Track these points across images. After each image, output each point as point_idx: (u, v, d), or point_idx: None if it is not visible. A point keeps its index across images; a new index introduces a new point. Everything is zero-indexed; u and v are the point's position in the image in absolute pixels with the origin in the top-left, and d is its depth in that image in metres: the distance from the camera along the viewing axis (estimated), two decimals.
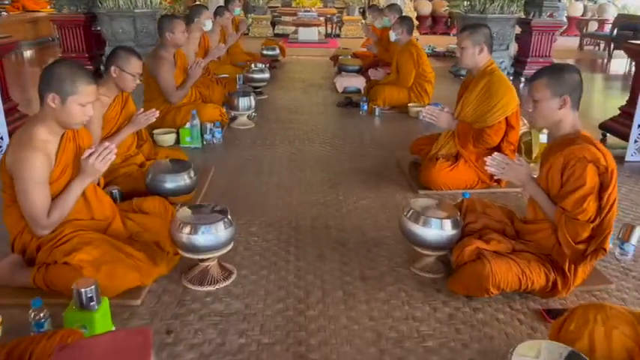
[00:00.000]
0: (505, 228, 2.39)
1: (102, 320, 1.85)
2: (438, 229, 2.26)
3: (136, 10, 6.70)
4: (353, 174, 3.67)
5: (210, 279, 2.25)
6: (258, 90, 6.11)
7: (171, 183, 2.80)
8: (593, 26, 11.91)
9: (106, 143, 2.23)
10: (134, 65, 2.99)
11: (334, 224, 2.90)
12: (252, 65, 6.51)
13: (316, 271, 2.42)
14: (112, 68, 2.96)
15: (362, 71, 6.70)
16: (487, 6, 6.95)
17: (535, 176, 2.28)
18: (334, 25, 13.44)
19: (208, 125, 4.25)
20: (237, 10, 7.69)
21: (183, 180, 2.84)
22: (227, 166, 3.78)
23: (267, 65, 6.84)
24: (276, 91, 6.48)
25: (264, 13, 13.42)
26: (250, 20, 13.42)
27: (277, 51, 8.06)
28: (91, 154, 2.15)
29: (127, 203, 2.63)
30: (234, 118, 4.84)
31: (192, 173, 2.89)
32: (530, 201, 2.32)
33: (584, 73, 9.11)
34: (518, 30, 7.58)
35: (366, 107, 5.38)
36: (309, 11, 12.46)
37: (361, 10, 14.29)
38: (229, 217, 2.23)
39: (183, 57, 4.54)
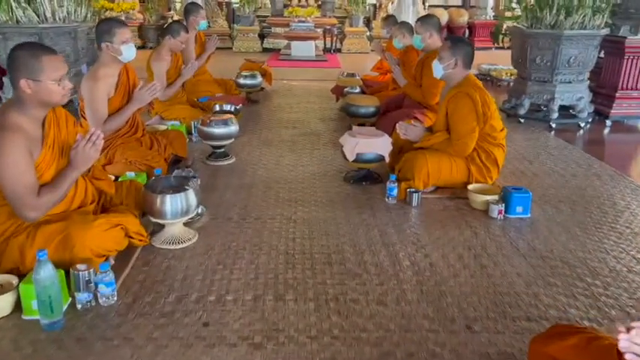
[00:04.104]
0: None
1: None
2: None
3: (42, 25, 4.49)
4: None
5: None
6: (221, 150, 3.90)
7: None
8: None
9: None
10: None
11: None
12: (216, 108, 4.33)
13: None
14: None
15: (380, 114, 4.54)
16: (562, 18, 4.76)
17: None
18: (334, 38, 11.26)
19: (82, 274, 2.02)
20: (204, 24, 5.50)
21: None
22: None
23: (239, 106, 4.65)
24: (251, 147, 4.26)
25: (251, 24, 11.25)
26: (235, 32, 11.27)
27: (259, 79, 5.86)
28: None
29: None
30: (161, 227, 2.63)
31: None
32: None
33: None
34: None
35: (395, 190, 3.17)
36: (304, 21, 10.29)
37: (365, 20, 12.13)
38: None
39: (64, 126, 2.33)
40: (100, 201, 2.51)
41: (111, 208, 2.51)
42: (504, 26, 11.62)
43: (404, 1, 11.07)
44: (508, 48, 11.86)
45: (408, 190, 3.16)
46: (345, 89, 5.36)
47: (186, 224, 2.69)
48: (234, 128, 3.80)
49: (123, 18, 11.10)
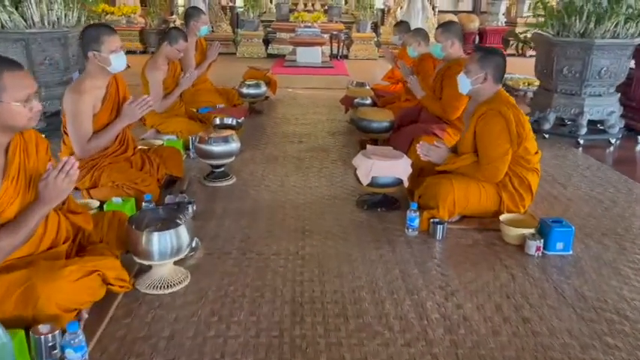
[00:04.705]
0: None
1: None
2: None
3: (29, 31, 4.14)
4: None
5: None
6: (220, 170, 3.54)
7: None
8: None
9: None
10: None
11: None
12: (216, 122, 3.99)
13: None
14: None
15: (394, 129, 4.17)
16: (592, 26, 4.39)
17: None
18: (341, 44, 10.90)
19: (44, 339, 1.65)
20: (205, 30, 5.16)
21: None
22: None
23: (242, 119, 4.30)
24: (254, 164, 3.89)
25: (256, 29, 10.91)
26: (239, 37, 10.94)
27: (263, 89, 5.50)
28: None
29: None
30: (147, 266, 2.26)
31: None
32: None
33: None
34: None
35: (416, 221, 2.79)
36: (310, 27, 9.94)
37: (373, 25, 11.77)
38: None
39: (33, 153, 1.97)
40: (77, 238, 2.15)
41: (88, 247, 2.15)
42: (521, 32, 11.26)
43: (413, 6, 10.73)
44: (521, 55, 11.56)
45: (432, 220, 2.78)
46: (355, 100, 5.00)
47: (177, 263, 2.32)
48: (235, 146, 3.44)
49: (124, 22, 10.83)
